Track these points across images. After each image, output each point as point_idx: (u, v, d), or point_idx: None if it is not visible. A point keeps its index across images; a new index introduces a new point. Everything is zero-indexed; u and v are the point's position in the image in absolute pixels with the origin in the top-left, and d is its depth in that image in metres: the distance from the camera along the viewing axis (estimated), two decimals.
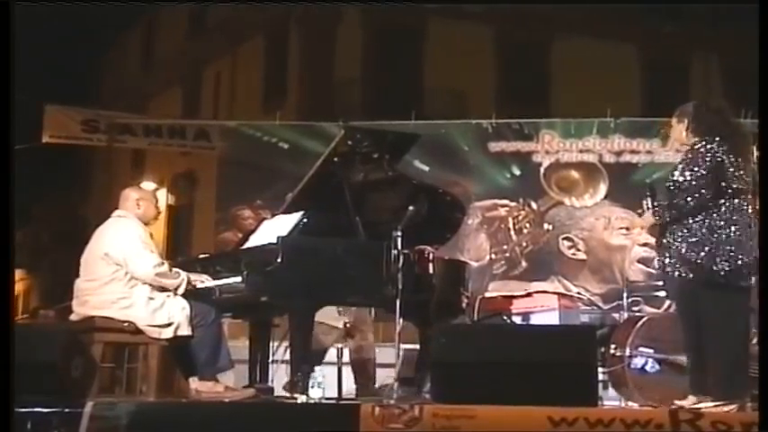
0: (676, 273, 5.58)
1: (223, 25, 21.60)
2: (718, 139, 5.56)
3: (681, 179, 5.55)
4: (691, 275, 5.52)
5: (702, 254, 5.48)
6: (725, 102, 6.03)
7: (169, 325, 6.29)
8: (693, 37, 20.07)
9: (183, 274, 6.45)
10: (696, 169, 5.51)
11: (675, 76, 19.96)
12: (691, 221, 5.54)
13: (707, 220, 5.51)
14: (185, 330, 6.31)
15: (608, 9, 19.55)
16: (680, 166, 5.63)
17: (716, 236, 5.48)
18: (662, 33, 19.96)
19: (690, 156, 5.60)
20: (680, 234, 5.57)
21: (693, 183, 5.50)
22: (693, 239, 5.51)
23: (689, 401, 5.51)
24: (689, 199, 5.50)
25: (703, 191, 5.49)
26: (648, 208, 5.79)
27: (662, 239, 5.71)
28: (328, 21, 18.94)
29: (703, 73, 20.44)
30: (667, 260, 5.64)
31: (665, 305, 8.22)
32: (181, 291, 6.40)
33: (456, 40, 18.92)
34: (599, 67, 18.77)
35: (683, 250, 5.53)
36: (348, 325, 7.80)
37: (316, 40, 18.99)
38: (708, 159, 5.51)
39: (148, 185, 16.61)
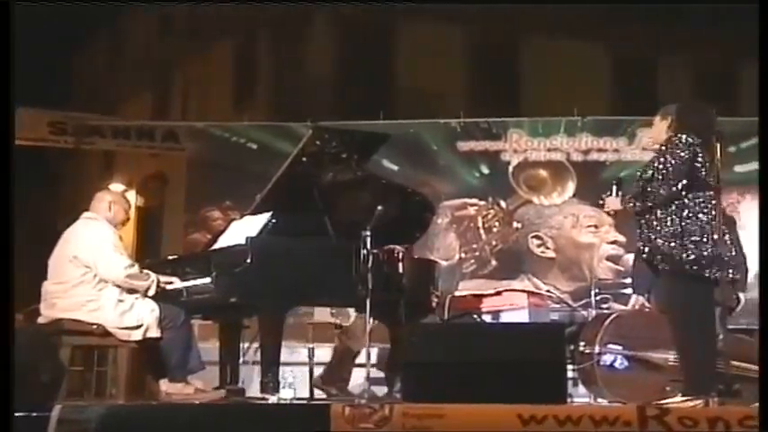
0: (652, 263, 5.67)
1: (191, 27, 21.53)
2: (694, 136, 5.66)
3: (653, 171, 5.67)
4: (663, 266, 5.61)
5: (675, 244, 5.57)
6: (707, 105, 6.15)
7: (138, 327, 6.28)
8: (660, 37, 20.16)
9: (153, 276, 6.44)
10: (671, 160, 5.63)
11: (642, 76, 20.07)
12: (663, 212, 5.63)
13: (677, 212, 5.61)
14: (155, 332, 6.30)
15: (575, 9, 19.62)
16: (654, 157, 5.74)
17: (684, 226, 5.57)
18: (628, 32, 20.04)
19: (665, 148, 5.70)
20: (653, 225, 5.66)
21: (667, 172, 5.60)
22: (665, 230, 5.60)
23: (678, 400, 5.56)
24: (662, 189, 5.60)
25: (676, 181, 5.61)
26: (610, 195, 5.89)
27: (638, 231, 5.79)
28: (297, 21, 18.90)
29: (670, 72, 20.56)
30: (643, 251, 5.73)
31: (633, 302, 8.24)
32: (151, 292, 6.38)
33: (424, 40, 18.93)
34: (566, 66, 18.82)
35: (656, 242, 5.62)
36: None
37: (284, 41, 18.95)
38: (682, 152, 5.63)
39: (117, 187, 16.52)
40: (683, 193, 5.63)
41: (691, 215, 5.61)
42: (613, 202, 5.90)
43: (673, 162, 5.62)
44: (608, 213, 6.22)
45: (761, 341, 5.36)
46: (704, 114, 5.90)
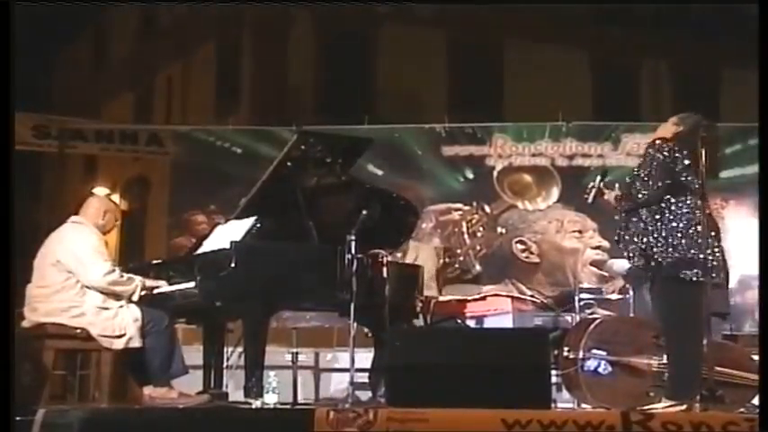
0: (635, 264, 5.71)
1: (175, 29, 21.50)
2: (680, 144, 5.77)
3: (639, 169, 5.77)
4: (646, 267, 5.66)
5: (657, 245, 5.62)
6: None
7: (121, 336, 6.24)
8: (644, 41, 20.24)
9: (137, 280, 6.40)
10: (651, 162, 5.70)
11: (626, 81, 20.15)
12: (645, 214, 5.68)
13: (659, 214, 5.65)
14: (137, 342, 6.26)
15: (559, 13, 19.69)
16: (641, 161, 5.81)
17: (667, 230, 5.62)
18: (612, 38, 20.13)
19: (649, 150, 5.79)
20: (635, 226, 5.70)
21: (648, 174, 5.64)
22: (648, 232, 5.65)
23: (662, 405, 5.58)
24: (643, 189, 5.63)
25: (655, 183, 5.67)
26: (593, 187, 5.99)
27: (619, 234, 5.84)
28: (281, 25, 18.90)
29: (653, 77, 20.64)
30: (627, 252, 5.77)
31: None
32: (135, 297, 6.35)
33: (409, 44, 18.95)
34: (551, 71, 18.87)
35: (640, 243, 5.66)
36: None
37: (268, 45, 18.94)
38: (667, 154, 5.71)
39: (101, 191, 16.49)
40: (666, 196, 5.68)
41: (673, 218, 5.66)
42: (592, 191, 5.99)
43: (656, 163, 5.69)
44: (586, 200, 6.24)
45: (761, 344, 5.39)
46: (698, 126, 5.95)
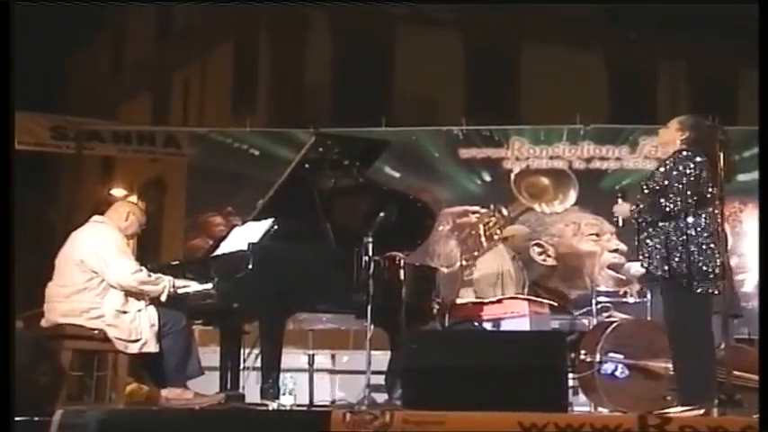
0: (653, 273, 5.68)
1: (192, 31, 21.54)
2: (703, 153, 5.72)
3: (665, 183, 5.70)
4: (666, 277, 5.62)
5: (678, 256, 5.59)
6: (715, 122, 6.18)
7: (136, 341, 6.26)
8: (661, 44, 20.19)
9: (166, 280, 6.41)
10: (682, 176, 5.66)
11: (644, 84, 20.10)
12: (668, 225, 5.65)
13: (682, 226, 5.63)
14: (152, 347, 6.27)
15: (577, 17, 19.66)
16: (662, 170, 5.76)
17: (689, 241, 5.59)
18: (630, 41, 20.08)
19: (674, 162, 5.71)
20: (656, 236, 5.67)
21: (681, 187, 5.61)
22: (670, 243, 5.62)
23: (679, 409, 5.56)
24: (672, 203, 5.61)
25: (687, 197, 5.64)
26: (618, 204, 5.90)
27: (638, 240, 5.80)
28: (298, 27, 18.92)
29: (671, 80, 20.58)
30: (645, 260, 5.74)
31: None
32: (164, 297, 6.35)
33: (426, 46, 18.94)
34: (568, 74, 18.84)
35: (661, 252, 5.63)
36: None
37: (285, 47, 18.96)
38: (694, 168, 5.68)
39: (118, 192, 16.56)
40: (692, 209, 5.65)
41: (697, 230, 5.63)
42: (622, 210, 5.92)
43: (685, 179, 5.65)
44: (615, 223, 6.19)
45: (761, 345, 5.37)
46: (713, 131, 5.92)
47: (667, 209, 5.67)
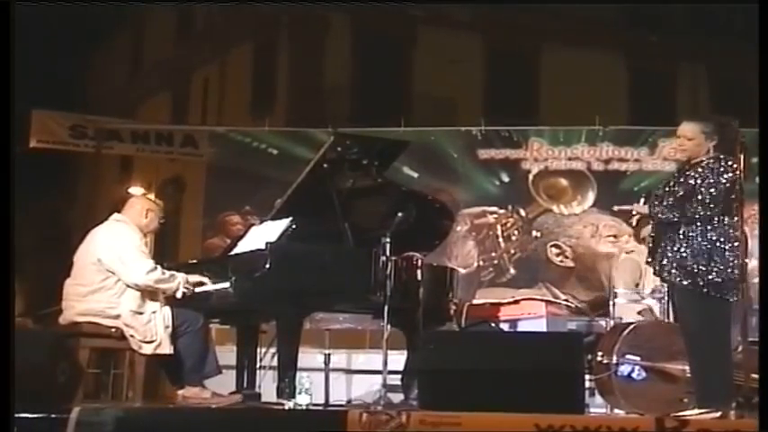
0: (672, 279, 5.64)
1: (211, 31, 21.60)
2: (733, 159, 5.66)
3: (700, 187, 5.63)
4: (686, 282, 5.59)
5: (703, 263, 5.55)
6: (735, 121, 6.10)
7: (151, 342, 6.27)
8: (680, 46, 20.15)
9: (180, 277, 6.42)
10: (715, 181, 5.61)
11: (663, 86, 20.04)
12: (693, 230, 5.61)
13: (709, 232, 5.59)
14: (166, 349, 6.28)
15: (596, 18, 19.64)
16: (695, 174, 5.68)
17: (713, 248, 5.56)
18: (649, 43, 20.04)
19: (708, 168, 5.67)
20: (680, 241, 5.63)
21: (714, 193, 5.58)
22: (694, 248, 5.58)
23: (696, 412, 5.54)
24: (702, 208, 5.57)
25: (718, 203, 5.59)
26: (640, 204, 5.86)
27: (659, 243, 5.76)
28: (317, 27, 18.95)
29: (690, 82, 20.52)
30: (664, 264, 5.70)
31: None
32: (179, 294, 6.37)
33: (445, 47, 18.95)
34: (587, 75, 18.82)
35: (682, 257, 5.59)
36: None
37: (304, 47, 18.99)
38: (729, 175, 5.61)
39: (137, 190, 16.58)
40: (719, 216, 5.62)
41: (720, 236, 5.60)
42: (643, 210, 5.87)
43: (716, 184, 5.60)
44: (631, 223, 6.14)
45: (761, 341, 5.35)
46: (737, 134, 5.87)
47: (698, 214, 5.62)
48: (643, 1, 19.99)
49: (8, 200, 4.95)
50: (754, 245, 6.61)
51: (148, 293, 6.34)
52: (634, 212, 5.99)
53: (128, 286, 6.29)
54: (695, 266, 5.57)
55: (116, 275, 6.28)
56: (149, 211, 6.67)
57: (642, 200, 5.95)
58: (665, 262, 5.70)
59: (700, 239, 5.60)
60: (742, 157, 5.70)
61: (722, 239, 5.60)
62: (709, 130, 5.82)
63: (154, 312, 6.32)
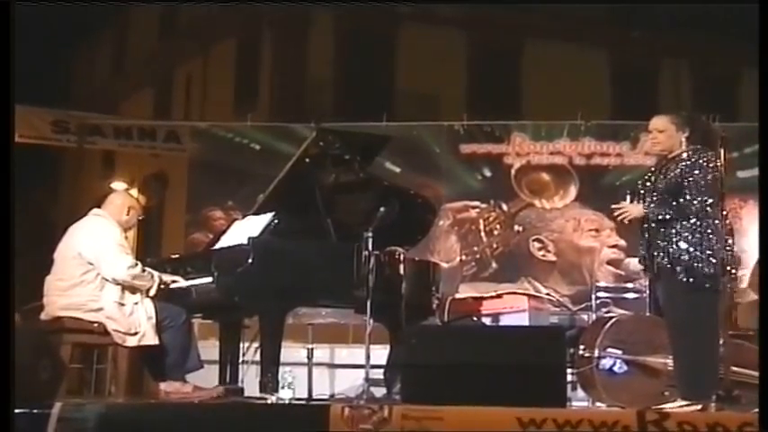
0: (665, 271, 5.65)
1: (194, 27, 21.56)
2: (712, 152, 5.71)
3: (684, 181, 5.66)
4: (681, 276, 5.60)
5: (697, 255, 5.57)
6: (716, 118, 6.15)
7: (134, 334, 6.26)
8: (662, 42, 20.21)
9: (156, 276, 6.43)
10: (701, 175, 5.64)
11: (644, 81, 20.10)
12: (685, 223, 5.62)
13: (699, 223, 5.61)
14: (150, 340, 6.27)
15: (578, 14, 19.68)
16: (678, 169, 5.70)
17: (704, 239, 5.58)
18: (631, 39, 20.10)
19: (692, 160, 5.69)
20: (672, 234, 5.64)
21: (701, 186, 5.61)
22: (688, 241, 5.60)
23: (677, 404, 5.56)
24: (694, 202, 5.59)
25: (706, 195, 5.62)
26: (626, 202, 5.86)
27: (648, 238, 5.77)
28: (300, 23, 18.94)
29: (671, 78, 20.59)
30: (655, 259, 5.71)
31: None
32: (152, 292, 6.37)
33: (427, 43, 18.96)
34: (569, 71, 18.86)
35: (680, 252, 5.61)
36: None
37: (287, 43, 18.98)
38: (712, 165, 5.66)
39: (120, 185, 16.54)
40: (707, 207, 5.64)
41: (710, 227, 5.62)
42: (635, 209, 5.85)
43: (703, 176, 5.62)
44: (623, 221, 6.12)
45: (760, 343, 5.37)
46: (710, 126, 5.91)
47: (688, 209, 5.63)
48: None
49: (8, 199, 4.93)
50: (736, 238, 6.64)
51: (128, 287, 6.33)
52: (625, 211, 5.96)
53: (106, 280, 6.27)
54: (692, 260, 5.59)
55: (96, 269, 6.27)
56: (130, 207, 6.66)
57: (628, 198, 5.93)
58: (659, 257, 5.70)
59: (693, 233, 5.62)
60: (722, 151, 5.74)
61: (713, 232, 5.63)
62: (679, 122, 5.85)
63: (136, 304, 6.31)
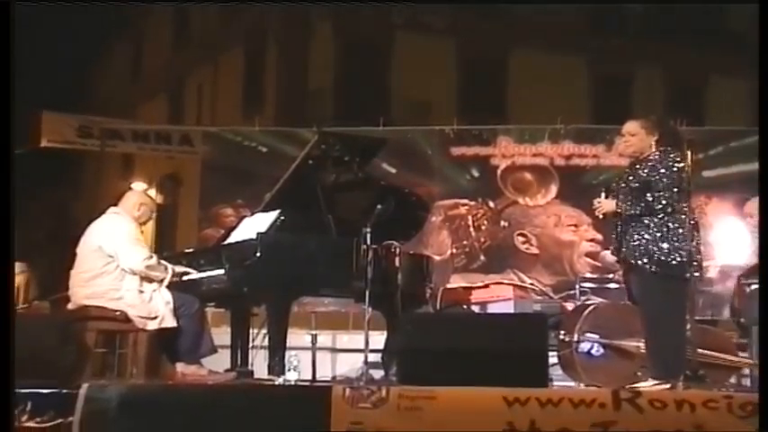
0: (639, 264, 5.68)
1: (205, 38, 21.57)
2: (679, 153, 5.76)
3: (652, 179, 5.69)
4: (650, 267, 5.63)
5: (665, 247, 5.60)
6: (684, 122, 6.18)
7: (154, 318, 6.29)
8: (637, 50, 20.22)
9: (170, 268, 6.46)
10: (667, 173, 5.68)
11: (619, 88, 20.13)
12: (655, 220, 5.66)
13: (667, 218, 5.64)
14: (170, 322, 6.30)
15: (560, 24, 19.70)
16: (646, 168, 5.74)
17: (674, 234, 5.61)
18: (609, 47, 20.12)
19: (660, 160, 5.73)
20: (642, 229, 5.67)
21: (667, 183, 5.64)
22: (656, 234, 5.63)
23: (648, 384, 5.60)
24: (662, 198, 5.62)
25: (673, 191, 5.65)
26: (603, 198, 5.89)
27: (620, 232, 5.80)
28: (303, 34, 18.95)
29: (644, 86, 20.61)
30: (626, 251, 5.74)
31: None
32: (166, 282, 6.40)
33: (421, 52, 18.98)
34: (551, 78, 18.88)
35: (648, 244, 5.64)
36: None
37: (291, 53, 18.99)
38: (678, 165, 5.70)
39: (139, 185, 16.56)
40: (675, 204, 5.67)
41: (677, 222, 5.66)
42: (608, 204, 5.89)
43: (670, 175, 5.66)
44: (598, 216, 6.14)
45: (761, 339, 5.41)
46: (677, 130, 5.95)
47: (656, 205, 5.66)
48: (614, 1, 20.10)
49: (8, 199, 4.92)
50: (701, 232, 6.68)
51: (144, 277, 6.36)
52: (599, 206, 5.98)
53: (125, 270, 6.31)
54: (659, 252, 5.62)
55: (115, 261, 6.31)
56: (142, 204, 6.69)
57: (603, 194, 5.97)
58: (630, 249, 5.73)
59: (661, 227, 5.66)
60: (689, 152, 5.79)
61: (680, 226, 5.66)
62: (649, 126, 5.90)
63: (154, 291, 6.35)
